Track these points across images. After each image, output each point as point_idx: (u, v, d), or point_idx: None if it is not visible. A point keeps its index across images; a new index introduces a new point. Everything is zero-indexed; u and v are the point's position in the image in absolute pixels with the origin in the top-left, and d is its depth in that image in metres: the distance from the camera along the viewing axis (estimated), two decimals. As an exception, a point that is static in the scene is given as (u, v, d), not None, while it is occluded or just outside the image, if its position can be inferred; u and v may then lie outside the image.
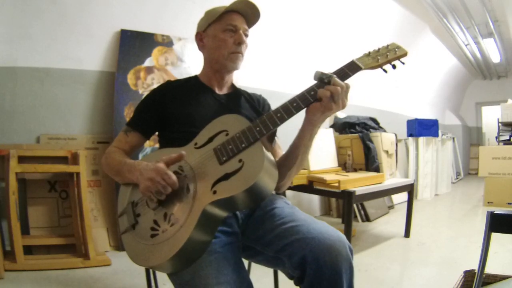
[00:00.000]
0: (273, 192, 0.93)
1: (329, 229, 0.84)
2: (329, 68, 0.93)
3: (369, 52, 0.91)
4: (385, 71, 0.90)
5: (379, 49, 0.91)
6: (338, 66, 0.87)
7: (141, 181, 0.85)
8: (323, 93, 0.80)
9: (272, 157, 0.84)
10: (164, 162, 0.83)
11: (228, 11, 1.06)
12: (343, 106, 0.83)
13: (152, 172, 0.82)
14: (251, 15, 1.09)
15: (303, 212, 0.96)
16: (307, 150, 0.95)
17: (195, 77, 1.17)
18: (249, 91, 1.23)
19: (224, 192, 0.77)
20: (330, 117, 3.70)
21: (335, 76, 0.81)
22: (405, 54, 0.90)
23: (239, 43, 1.06)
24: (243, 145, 0.81)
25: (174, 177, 0.81)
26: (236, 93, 1.17)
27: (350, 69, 0.86)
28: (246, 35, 1.10)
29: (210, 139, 0.89)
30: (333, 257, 0.77)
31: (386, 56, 0.89)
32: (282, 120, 0.82)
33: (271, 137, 0.92)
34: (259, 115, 1.11)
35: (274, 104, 1.18)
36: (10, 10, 2.10)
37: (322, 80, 0.82)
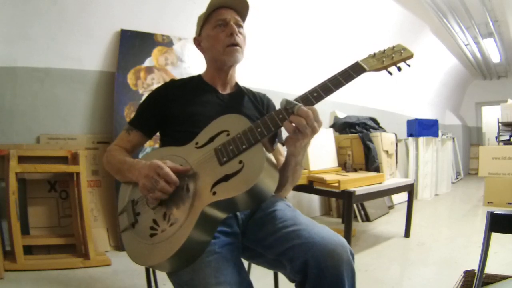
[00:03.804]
0: (273, 194, 0.93)
1: (330, 233, 0.83)
2: (332, 68, 0.91)
3: (374, 54, 0.87)
4: (390, 73, 0.87)
5: (384, 50, 0.88)
6: (341, 66, 0.85)
7: (139, 180, 0.85)
8: (288, 125, 0.79)
9: (273, 158, 0.83)
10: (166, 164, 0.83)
11: (215, 9, 1.06)
12: (313, 133, 0.80)
13: (146, 169, 0.83)
14: (238, 6, 1.08)
15: (303, 212, 0.96)
16: (295, 173, 0.96)
17: (199, 76, 1.16)
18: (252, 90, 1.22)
19: (223, 194, 0.76)
20: (330, 117, 3.70)
21: (299, 105, 0.78)
22: (411, 56, 0.87)
23: (231, 33, 1.04)
24: (244, 146, 0.80)
25: (167, 169, 0.81)
26: (240, 93, 1.16)
27: (354, 70, 0.83)
28: (240, 26, 1.08)
29: (211, 139, 0.88)
30: (334, 262, 0.76)
31: (392, 58, 0.86)
32: (284, 121, 0.81)
33: (273, 139, 0.91)
34: (262, 115, 1.09)
35: (276, 105, 1.17)
36: (10, 10, 2.10)
37: (287, 109, 0.79)
